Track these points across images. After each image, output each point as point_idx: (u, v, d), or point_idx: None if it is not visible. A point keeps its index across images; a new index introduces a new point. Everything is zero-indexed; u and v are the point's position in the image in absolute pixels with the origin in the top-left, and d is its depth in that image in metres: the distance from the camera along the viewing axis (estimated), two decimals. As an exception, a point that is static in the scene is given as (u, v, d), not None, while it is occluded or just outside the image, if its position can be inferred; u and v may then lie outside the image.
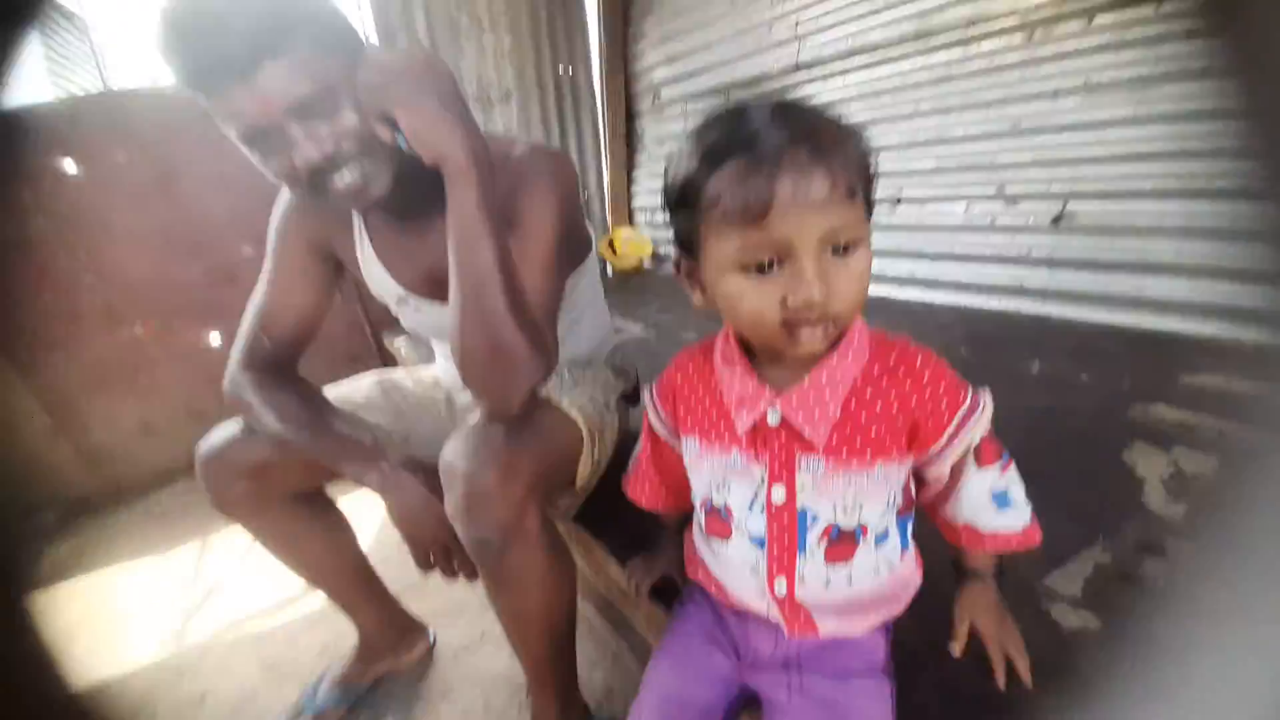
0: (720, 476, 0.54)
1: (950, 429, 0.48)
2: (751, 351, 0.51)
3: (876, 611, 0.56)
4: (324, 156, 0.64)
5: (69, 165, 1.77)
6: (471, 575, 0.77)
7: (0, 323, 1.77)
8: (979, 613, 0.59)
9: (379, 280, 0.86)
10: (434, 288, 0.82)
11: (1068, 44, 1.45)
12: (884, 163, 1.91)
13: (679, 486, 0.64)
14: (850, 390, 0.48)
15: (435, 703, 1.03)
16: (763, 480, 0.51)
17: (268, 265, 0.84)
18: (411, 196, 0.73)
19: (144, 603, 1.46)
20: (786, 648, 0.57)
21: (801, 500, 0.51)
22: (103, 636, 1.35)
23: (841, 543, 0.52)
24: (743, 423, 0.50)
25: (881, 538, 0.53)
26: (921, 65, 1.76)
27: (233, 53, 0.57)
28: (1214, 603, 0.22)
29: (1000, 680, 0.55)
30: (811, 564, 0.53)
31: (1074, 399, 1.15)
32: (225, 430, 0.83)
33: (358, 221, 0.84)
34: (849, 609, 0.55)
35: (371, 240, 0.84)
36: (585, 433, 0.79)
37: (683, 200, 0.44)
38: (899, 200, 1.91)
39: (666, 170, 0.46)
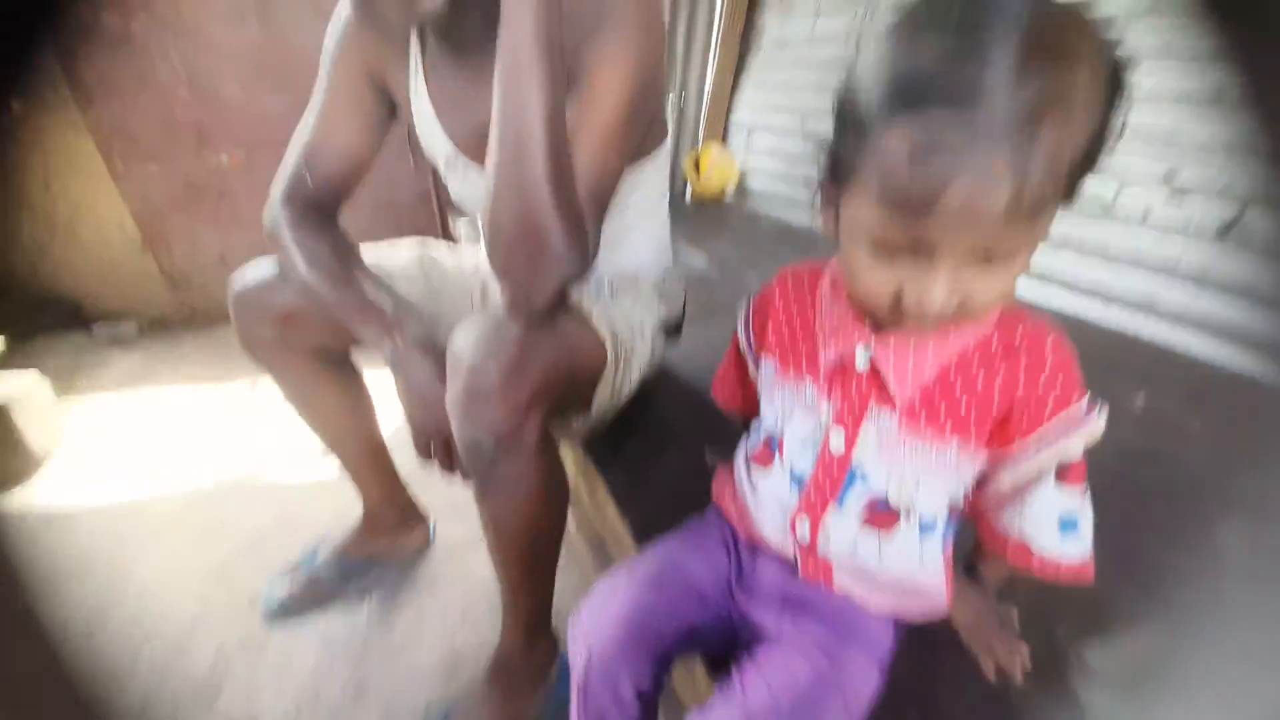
0: (788, 406, 0.52)
1: (1045, 432, 0.42)
2: None
3: (895, 598, 0.52)
4: None
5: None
6: (467, 476, 0.76)
7: (104, 120, 1.85)
8: (966, 611, 0.55)
9: (429, 130, 0.78)
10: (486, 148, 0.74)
11: None
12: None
13: (755, 397, 0.60)
14: (958, 357, 0.43)
15: (420, 594, 1.08)
16: (826, 421, 0.48)
17: (317, 92, 0.78)
18: (472, 21, 0.64)
19: (194, 428, 1.60)
20: (792, 587, 0.54)
21: (858, 455, 0.48)
22: (148, 454, 1.50)
23: (885, 512, 0.49)
24: (828, 356, 0.47)
25: (929, 528, 0.49)
26: None
27: None
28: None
29: (990, 674, 0.53)
30: (842, 521, 0.50)
31: (1177, 449, 0.98)
32: (259, 269, 0.82)
33: (414, 51, 0.74)
34: (869, 580, 0.51)
35: (427, 80, 0.75)
36: (610, 353, 0.72)
37: (852, 125, 0.36)
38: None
39: (853, 63, 0.36)
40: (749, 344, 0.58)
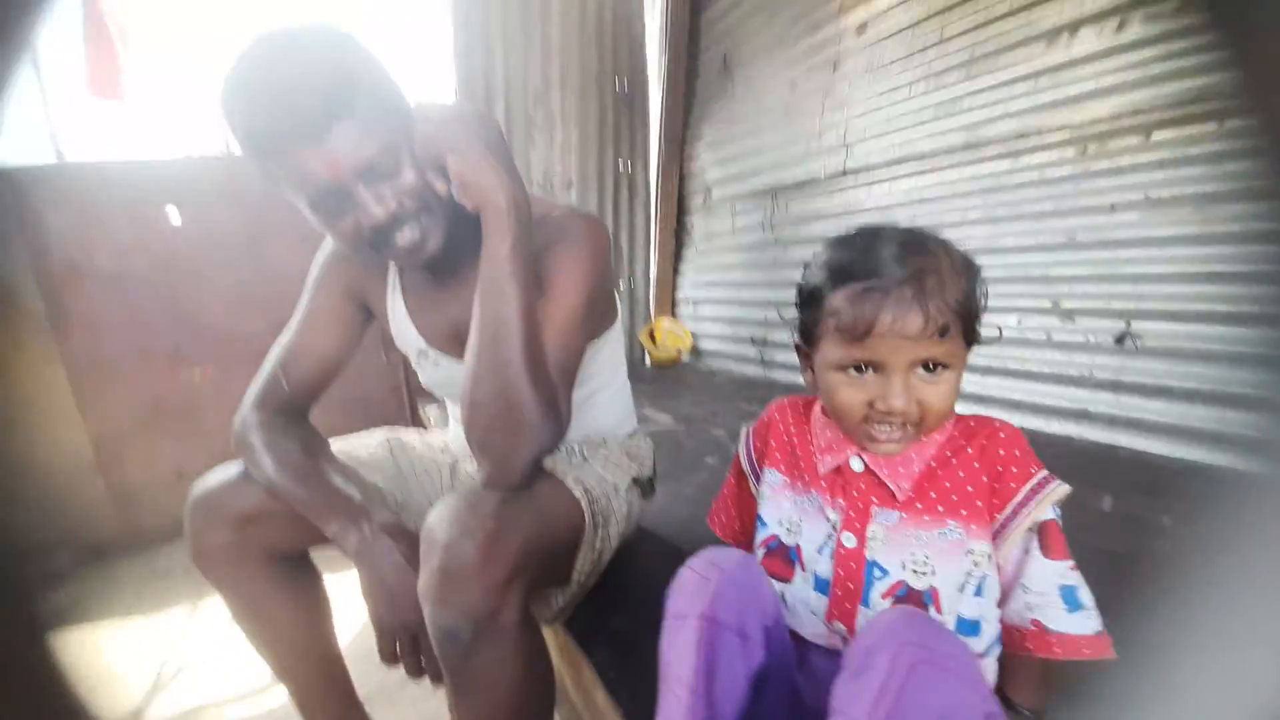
0: (794, 516, 0.58)
1: (1018, 497, 0.49)
2: None
3: None
4: (388, 215, 0.65)
5: (173, 215, 1.98)
6: (438, 678, 0.68)
7: (78, 353, 1.91)
8: None
9: (402, 331, 0.86)
10: (455, 343, 0.81)
11: (1124, 159, 1.42)
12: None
13: (751, 528, 0.64)
14: (936, 452, 0.52)
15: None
16: (835, 526, 0.54)
17: (301, 306, 0.86)
18: (450, 252, 0.74)
19: (122, 667, 1.40)
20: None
21: (871, 551, 0.53)
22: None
23: (909, 601, 0.51)
24: (825, 463, 0.56)
25: (970, 627, 0.50)
26: (970, 175, 1.76)
27: (307, 115, 0.59)
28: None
29: None
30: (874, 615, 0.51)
31: (1157, 543, 0.99)
32: (222, 473, 0.80)
33: (393, 272, 0.85)
34: None
35: (403, 291, 0.85)
36: (587, 513, 0.71)
37: (810, 300, 0.53)
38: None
39: (805, 268, 0.55)
40: (751, 463, 0.65)
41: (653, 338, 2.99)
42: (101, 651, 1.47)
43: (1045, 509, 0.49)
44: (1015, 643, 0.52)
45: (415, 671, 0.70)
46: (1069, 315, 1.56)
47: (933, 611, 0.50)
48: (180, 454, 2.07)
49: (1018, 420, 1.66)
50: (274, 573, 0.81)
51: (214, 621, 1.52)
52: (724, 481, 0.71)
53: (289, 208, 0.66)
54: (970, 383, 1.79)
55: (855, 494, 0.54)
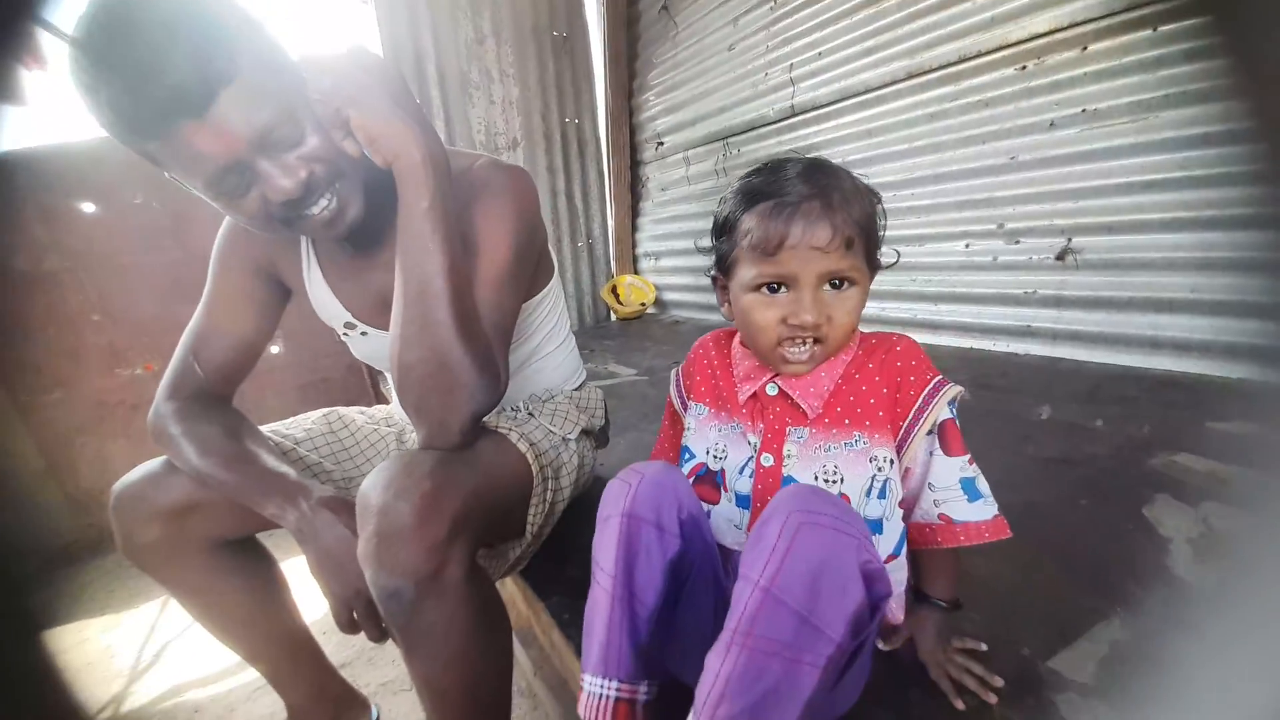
0: (720, 443, 0.61)
1: (918, 402, 0.52)
2: None
3: None
4: (298, 185, 0.60)
5: (86, 205, 1.85)
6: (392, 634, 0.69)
7: (5, 359, 1.81)
8: (921, 638, 0.58)
9: (324, 303, 0.82)
10: (382, 313, 0.77)
11: (1061, 74, 1.41)
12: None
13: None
14: (843, 372, 0.55)
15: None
16: (755, 447, 0.57)
17: (207, 287, 0.81)
18: (368, 217, 0.69)
19: (96, 663, 1.39)
20: None
21: (788, 467, 0.55)
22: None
23: None
24: (744, 391, 0.59)
25: (875, 526, 0.53)
26: (914, 103, 1.75)
27: (184, 84, 0.52)
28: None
29: (958, 703, 0.54)
30: None
31: (1089, 447, 1.04)
32: (144, 468, 0.76)
33: (305, 243, 0.80)
34: None
35: (319, 262, 0.80)
36: (534, 466, 0.71)
37: (724, 229, 0.56)
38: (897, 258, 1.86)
39: (720, 203, 0.57)
40: (681, 399, 0.68)
41: (616, 296, 2.96)
42: (79, 649, 1.46)
43: (943, 408, 0.52)
44: (926, 538, 0.56)
45: (377, 636, 0.70)
46: (1013, 236, 1.58)
47: None
48: (133, 452, 2.00)
49: (967, 343, 1.71)
50: (218, 562, 0.79)
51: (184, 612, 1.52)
52: (660, 426, 0.73)
53: None
54: (923, 310, 1.83)
55: (771, 417, 0.57)
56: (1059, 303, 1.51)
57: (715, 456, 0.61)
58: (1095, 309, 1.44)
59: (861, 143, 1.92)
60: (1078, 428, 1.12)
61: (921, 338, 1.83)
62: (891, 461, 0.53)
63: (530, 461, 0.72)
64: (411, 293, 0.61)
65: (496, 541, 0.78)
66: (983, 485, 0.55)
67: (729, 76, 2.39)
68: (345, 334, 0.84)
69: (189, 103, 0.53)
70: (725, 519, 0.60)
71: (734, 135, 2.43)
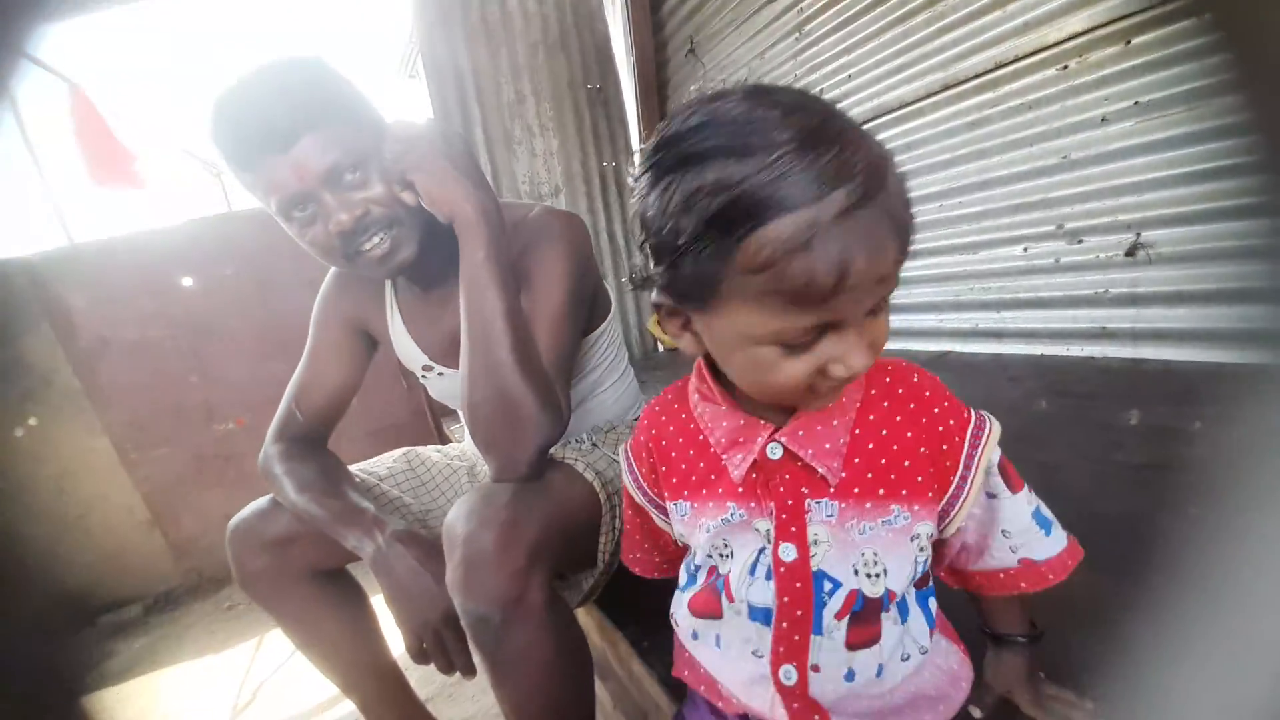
0: (720, 539, 0.46)
1: (964, 450, 0.43)
2: (731, 385, 0.44)
3: (918, 717, 0.45)
4: (354, 219, 0.69)
5: (186, 279, 2.07)
6: (468, 671, 0.71)
7: (117, 420, 2.01)
8: (1013, 683, 0.51)
9: (405, 349, 0.90)
10: (454, 354, 0.82)
11: (1107, 69, 1.37)
12: (929, 213, 1.87)
13: (675, 554, 0.56)
14: (858, 418, 0.43)
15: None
16: (769, 537, 0.43)
17: (308, 343, 0.91)
18: (435, 264, 0.77)
19: (196, 704, 1.48)
20: None
21: (816, 559, 0.42)
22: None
23: (866, 618, 0.43)
24: (737, 465, 0.43)
25: (903, 610, 0.44)
26: (953, 112, 1.73)
27: (277, 127, 0.65)
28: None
29: None
30: (829, 648, 0.43)
31: (1190, 451, 0.97)
32: (255, 504, 0.86)
33: (389, 294, 0.89)
34: (882, 713, 0.44)
35: (400, 311, 0.88)
36: (602, 495, 0.73)
37: (694, 245, 0.33)
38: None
39: (659, 190, 0.35)
40: (645, 495, 0.53)
41: (661, 325, 3.00)
42: (181, 690, 1.55)
43: (993, 450, 0.44)
44: (1005, 585, 0.47)
45: (445, 668, 0.73)
46: (1074, 236, 1.52)
47: (890, 621, 0.44)
48: (227, 500, 2.14)
49: (1037, 349, 1.63)
50: (314, 589, 0.86)
51: (279, 650, 1.59)
52: (623, 517, 0.60)
53: (288, 254, 0.69)
54: (985, 319, 1.76)
55: (782, 489, 0.43)
56: (1135, 301, 1.42)
57: (721, 555, 0.47)
58: (1177, 304, 1.36)
59: (901, 156, 1.85)
60: (1173, 431, 1.04)
61: (987, 347, 1.76)
62: (930, 536, 0.44)
63: (598, 490, 0.74)
64: (475, 336, 0.66)
65: (571, 571, 0.80)
66: (1047, 511, 0.47)
67: (760, 107, 2.44)
68: (424, 376, 0.91)
69: (275, 140, 0.65)
70: (739, 645, 0.46)
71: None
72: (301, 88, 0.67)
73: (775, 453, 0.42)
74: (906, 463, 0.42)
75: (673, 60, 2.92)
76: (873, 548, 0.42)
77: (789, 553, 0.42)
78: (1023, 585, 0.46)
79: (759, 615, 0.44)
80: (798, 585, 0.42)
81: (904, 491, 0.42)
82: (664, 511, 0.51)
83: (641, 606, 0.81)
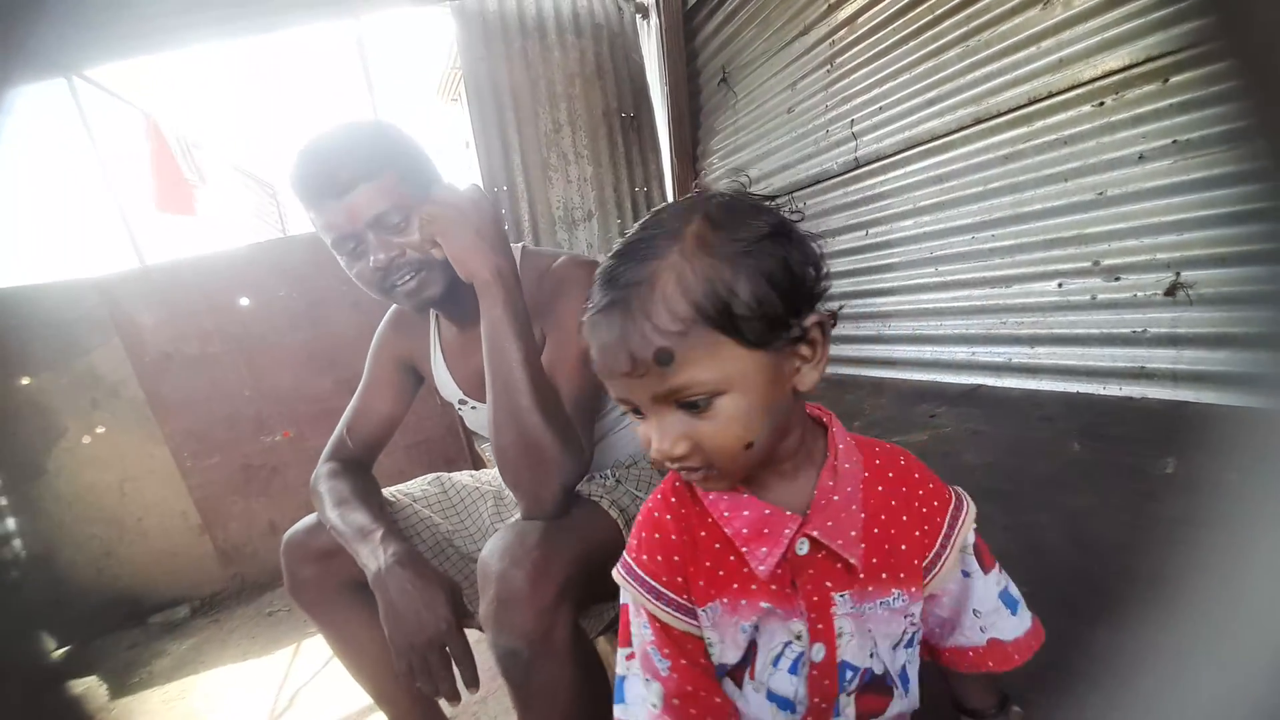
0: (748, 635, 0.44)
1: (945, 529, 0.45)
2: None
3: None
4: (389, 259, 0.77)
5: (243, 299, 2.21)
6: (451, 695, 0.74)
7: (176, 429, 2.15)
8: None
9: (444, 383, 0.96)
10: (484, 390, 0.89)
11: (1144, 107, 1.36)
12: (960, 245, 1.85)
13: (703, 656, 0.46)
14: (864, 494, 0.44)
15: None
16: (802, 638, 0.43)
17: (364, 376, 1.00)
18: (468, 303, 0.81)
19: (237, 705, 1.56)
20: None
21: (840, 650, 0.43)
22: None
23: (872, 692, 0.45)
24: (762, 559, 0.41)
25: (904, 682, 0.47)
26: (986, 145, 1.73)
27: (338, 177, 0.74)
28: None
29: None
30: None
31: (1219, 506, 0.94)
32: (307, 519, 0.93)
33: (433, 332, 0.96)
34: None
35: (442, 348, 0.96)
36: (624, 530, 0.77)
37: None
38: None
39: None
40: (674, 608, 0.45)
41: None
42: (224, 691, 1.63)
43: (969, 529, 0.46)
44: (973, 663, 0.48)
45: (431, 690, 0.75)
46: (1111, 273, 1.49)
47: (900, 697, 0.46)
48: (272, 509, 2.27)
49: (1073, 387, 1.60)
50: (354, 600, 0.92)
51: (317, 658, 1.66)
52: (641, 653, 0.47)
53: (337, 278, 0.78)
54: (1018, 354, 1.74)
55: (810, 586, 0.42)
56: (1175, 341, 1.39)
57: (743, 653, 0.46)
58: (1218, 347, 1.32)
59: (932, 188, 1.91)
60: (1210, 483, 1.01)
61: (1020, 382, 1.73)
62: (919, 613, 0.46)
63: (620, 526, 0.77)
64: (498, 384, 0.71)
65: (592, 603, 0.83)
66: (1014, 589, 0.49)
67: (790, 137, 2.47)
68: (459, 408, 0.97)
69: (336, 188, 0.74)
70: (749, 714, 0.46)
71: (798, 190, 2.49)
72: (363, 144, 0.76)
73: (804, 548, 0.42)
74: (904, 546, 0.44)
75: (705, 89, 2.98)
76: (877, 629, 0.44)
77: (819, 653, 0.43)
78: (990, 665, 0.48)
79: (777, 700, 0.45)
80: (826, 683, 0.44)
81: (901, 575, 0.44)
82: (693, 617, 0.45)
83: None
